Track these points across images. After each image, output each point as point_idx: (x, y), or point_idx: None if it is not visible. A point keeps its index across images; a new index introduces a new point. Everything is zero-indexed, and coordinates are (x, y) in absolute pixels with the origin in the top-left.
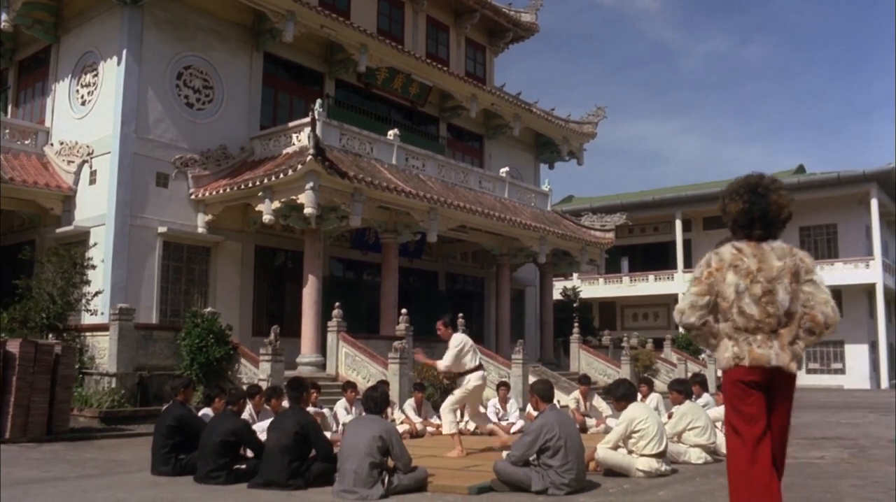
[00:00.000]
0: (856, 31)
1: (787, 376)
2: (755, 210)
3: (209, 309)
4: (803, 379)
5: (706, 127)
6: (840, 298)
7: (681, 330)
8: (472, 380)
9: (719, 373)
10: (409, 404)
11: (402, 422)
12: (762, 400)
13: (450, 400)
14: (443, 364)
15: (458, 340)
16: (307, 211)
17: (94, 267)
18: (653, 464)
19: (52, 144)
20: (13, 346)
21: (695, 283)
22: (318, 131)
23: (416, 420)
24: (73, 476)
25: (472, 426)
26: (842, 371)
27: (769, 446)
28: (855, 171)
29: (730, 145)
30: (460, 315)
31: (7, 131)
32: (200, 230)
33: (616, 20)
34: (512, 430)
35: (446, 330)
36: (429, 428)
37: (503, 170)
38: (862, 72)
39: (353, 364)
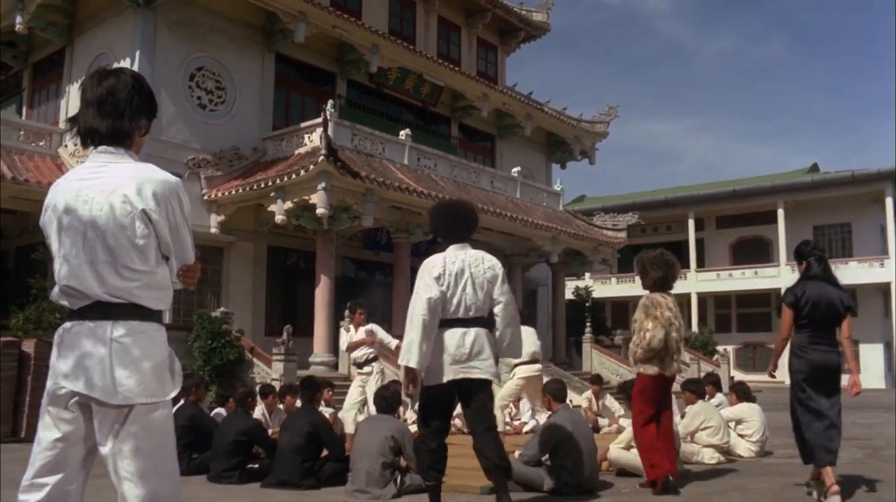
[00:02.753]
0: (869, 27)
1: (673, 378)
2: (668, 275)
3: (221, 309)
4: None
5: (719, 126)
6: (854, 298)
7: (694, 328)
8: (518, 373)
9: (733, 374)
10: None
11: (413, 422)
12: (661, 391)
13: (498, 396)
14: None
15: None
16: (319, 211)
17: None
18: None
19: (66, 146)
20: (28, 346)
21: (653, 320)
22: (329, 132)
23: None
24: None
25: None
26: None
27: (657, 413)
28: (869, 170)
29: (743, 144)
30: None
31: (21, 133)
32: (213, 230)
33: (628, 19)
34: (524, 430)
35: None
36: None
37: (515, 170)
38: (876, 68)
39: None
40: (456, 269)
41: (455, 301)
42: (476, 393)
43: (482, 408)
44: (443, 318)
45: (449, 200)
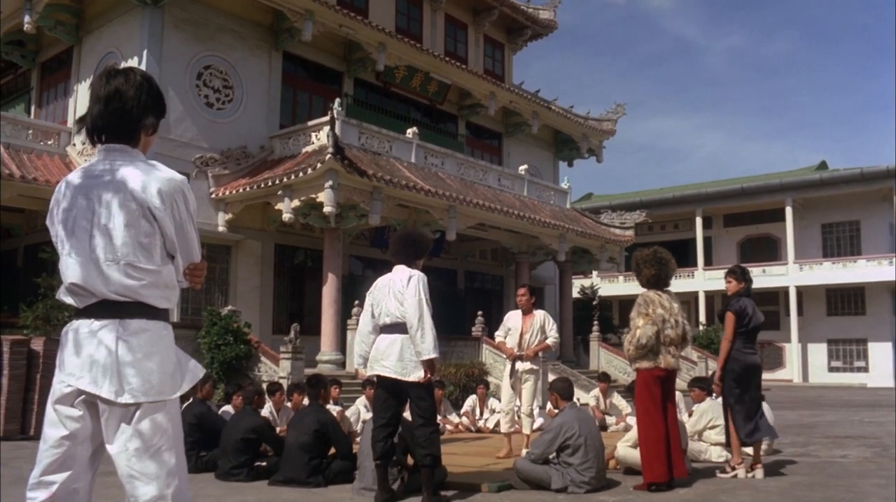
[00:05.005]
0: (879, 24)
1: (675, 371)
2: (662, 273)
3: (229, 307)
4: (826, 378)
5: (727, 123)
6: (863, 296)
7: (700, 327)
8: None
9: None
10: None
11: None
12: (661, 387)
13: (531, 393)
14: (555, 338)
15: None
16: (326, 209)
17: None
18: None
19: (74, 144)
20: (37, 345)
21: (644, 318)
22: (337, 130)
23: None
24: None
25: (490, 424)
26: (865, 369)
27: (663, 411)
28: (878, 167)
29: (751, 142)
30: (479, 313)
31: (30, 132)
32: (221, 229)
33: (636, 17)
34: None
35: (530, 299)
36: (447, 426)
37: (522, 168)
38: (886, 66)
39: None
40: (382, 285)
41: (378, 311)
42: (410, 393)
43: (416, 407)
44: (378, 326)
45: (405, 230)
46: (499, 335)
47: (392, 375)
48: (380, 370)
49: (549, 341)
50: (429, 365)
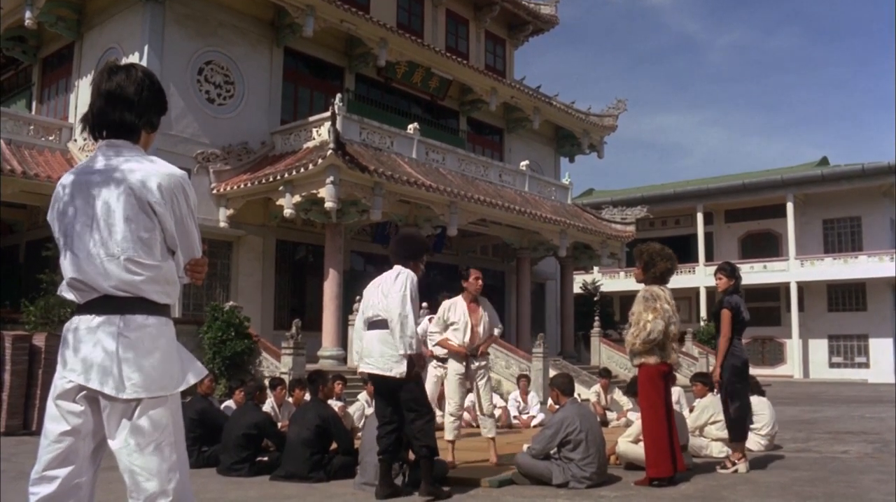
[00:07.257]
0: (880, 20)
1: (672, 367)
2: (673, 268)
3: (231, 303)
4: (827, 374)
5: (729, 119)
6: (864, 292)
7: (702, 323)
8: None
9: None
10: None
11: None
12: (664, 382)
13: (489, 392)
14: (500, 328)
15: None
16: (327, 205)
17: None
18: None
19: (75, 140)
20: (39, 340)
21: (653, 312)
22: (338, 126)
23: (438, 413)
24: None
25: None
26: (866, 365)
27: (666, 405)
28: (880, 163)
29: (753, 137)
30: None
31: (31, 128)
32: (222, 224)
33: (638, 12)
34: (532, 423)
35: (477, 282)
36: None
37: (523, 164)
38: (887, 62)
39: None
40: (375, 282)
41: (364, 306)
42: (399, 387)
43: (406, 401)
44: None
45: (402, 232)
46: (432, 330)
47: (377, 371)
48: (364, 367)
49: (497, 332)
50: (411, 360)
